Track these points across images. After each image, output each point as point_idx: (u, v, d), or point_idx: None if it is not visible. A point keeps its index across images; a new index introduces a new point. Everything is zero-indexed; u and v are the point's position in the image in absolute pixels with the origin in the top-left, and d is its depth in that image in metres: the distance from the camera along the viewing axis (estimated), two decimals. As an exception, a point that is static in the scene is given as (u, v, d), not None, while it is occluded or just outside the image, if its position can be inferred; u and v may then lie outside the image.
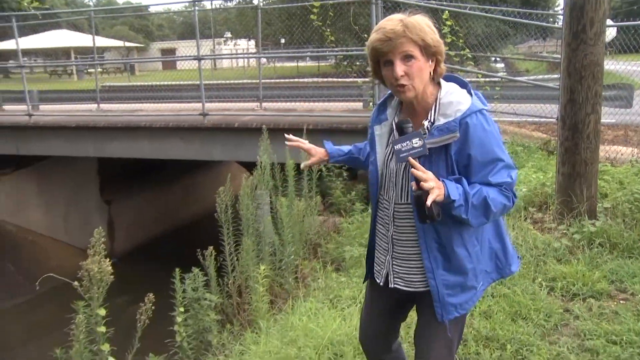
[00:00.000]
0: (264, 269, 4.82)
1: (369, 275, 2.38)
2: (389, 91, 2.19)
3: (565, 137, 4.81)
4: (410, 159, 1.93)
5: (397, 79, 1.96)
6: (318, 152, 2.62)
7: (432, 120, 2.02)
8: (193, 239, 14.38)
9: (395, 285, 2.20)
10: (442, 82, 2.09)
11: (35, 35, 30.22)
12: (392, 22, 1.98)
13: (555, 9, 28.11)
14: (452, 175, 2.00)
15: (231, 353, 4.19)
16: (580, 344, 3.21)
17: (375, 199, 2.23)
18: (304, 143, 2.59)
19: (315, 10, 8.30)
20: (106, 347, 3.94)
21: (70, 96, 13.83)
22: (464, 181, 1.96)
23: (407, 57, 1.95)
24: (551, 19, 25.11)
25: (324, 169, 7.06)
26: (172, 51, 36.56)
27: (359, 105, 10.04)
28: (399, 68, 1.95)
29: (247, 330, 4.73)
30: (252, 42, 28.74)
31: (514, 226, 4.79)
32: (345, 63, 23.57)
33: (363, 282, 2.52)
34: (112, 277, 3.92)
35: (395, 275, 2.19)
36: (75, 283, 3.93)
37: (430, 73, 2.02)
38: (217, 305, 5.00)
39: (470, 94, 2.05)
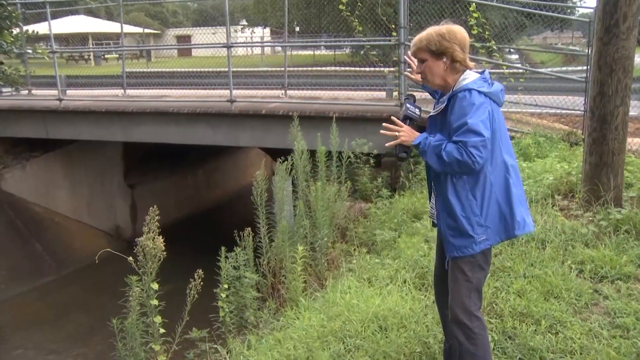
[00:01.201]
0: (302, 250, 5.06)
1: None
2: None
3: (594, 128, 4.99)
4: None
5: (419, 74, 2.85)
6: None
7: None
8: (215, 222, 14.71)
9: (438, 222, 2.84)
10: (467, 71, 2.74)
11: (53, 21, 30.41)
12: (420, 36, 2.78)
13: (574, 0, 28.01)
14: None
15: (274, 328, 4.42)
16: (611, 322, 3.43)
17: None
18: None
19: (344, 0, 8.48)
20: (158, 319, 4.20)
21: (94, 81, 14.10)
22: (437, 136, 2.66)
23: (421, 61, 2.79)
24: (569, 11, 25.06)
25: (352, 155, 7.26)
26: (187, 38, 36.71)
27: (382, 94, 10.21)
28: (418, 68, 2.85)
29: (284, 307, 4.99)
30: (267, 30, 28.86)
31: (542, 213, 4.99)
32: (362, 52, 23.75)
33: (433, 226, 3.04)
34: (164, 253, 4.10)
35: (437, 214, 2.84)
36: (130, 258, 4.14)
37: (445, 65, 2.71)
38: (254, 284, 5.23)
39: (480, 79, 2.67)
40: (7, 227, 11.40)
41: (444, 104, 2.67)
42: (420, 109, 2.83)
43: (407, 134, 2.70)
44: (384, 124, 2.76)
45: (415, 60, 2.86)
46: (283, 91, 10.57)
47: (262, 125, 9.47)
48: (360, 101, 9.47)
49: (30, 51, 9.73)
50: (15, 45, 8.35)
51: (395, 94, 8.94)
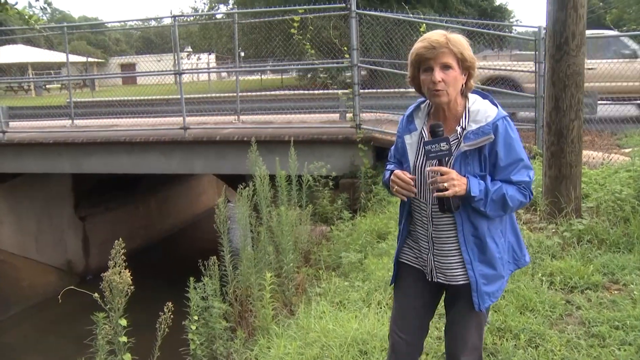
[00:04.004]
0: (270, 276, 4.97)
1: (397, 276, 2.60)
2: (415, 103, 2.50)
3: (551, 142, 5.13)
4: (437, 168, 2.26)
5: (435, 83, 2.23)
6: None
7: (463, 127, 2.30)
8: (170, 252, 14.40)
9: (437, 280, 2.42)
10: (469, 94, 2.36)
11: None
12: (437, 34, 2.29)
13: (511, 20, 29.04)
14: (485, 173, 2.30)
15: (248, 359, 4.31)
16: (586, 331, 3.49)
17: (409, 202, 2.45)
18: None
19: (295, 24, 8.52)
20: (128, 357, 4.03)
21: (38, 112, 13.64)
22: (488, 178, 2.27)
23: (446, 67, 2.24)
24: (506, 29, 25.95)
25: (310, 178, 7.23)
26: (131, 66, 36.14)
27: (335, 116, 10.25)
28: (438, 74, 2.23)
29: (255, 336, 4.88)
30: (212, 56, 28.72)
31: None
32: (309, 75, 23.87)
33: (390, 285, 2.71)
34: (132, 287, 3.94)
35: (437, 270, 2.41)
36: (96, 295, 3.96)
37: (462, 85, 2.30)
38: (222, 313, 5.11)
39: (494, 104, 2.34)
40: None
41: (486, 136, 2.24)
42: (448, 141, 2.25)
43: (459, 183, 2.22)
44: (429, 168, 2.27)
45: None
46: (236, 117, 10.50)
47: (217, 151, 9.36)
48: (314, 124, 9.48)
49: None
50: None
51: (349, 115, 8.99)
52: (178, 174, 11.42)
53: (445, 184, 2.19)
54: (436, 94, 2.26)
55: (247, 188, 5.87)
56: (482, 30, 10.07)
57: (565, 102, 4.99)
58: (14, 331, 10.56)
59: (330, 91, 10.05)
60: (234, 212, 6.13)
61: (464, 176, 2.24)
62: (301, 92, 13.98)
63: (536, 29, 7.68)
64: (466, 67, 2.28)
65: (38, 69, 33.45)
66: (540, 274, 4.24)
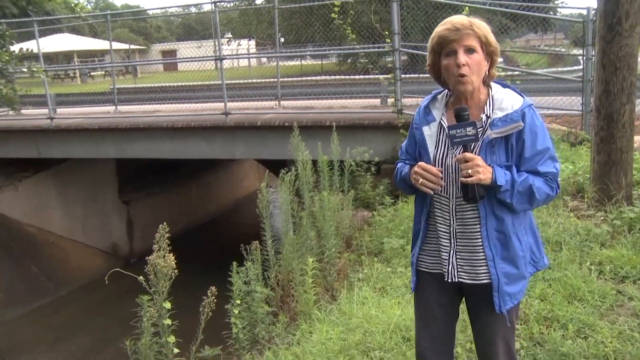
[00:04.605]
0: (312, 261, 4.97)
1: (416, 285, 2.45)
2: (431, 95, 2.39)
3: (601, 126, 4.97)
4: (465, 155, 2.13)
5: (460, 66, 2.13)
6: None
7: (488, 115, 2.21)
8: (212, 236, 14.59)
9: (459, 279, 2.28)
10: (491, 83, 2.27)
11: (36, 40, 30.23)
12: (460, 17, 2.21)
13: (556, 1, 28.27)
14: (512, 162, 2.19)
15: (290, 343, 4.33)
16: None
17: (429, 198, 2.32)
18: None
19: (336, 9, 8.45)
20: (172, 339, 4.08)
21: (84, 99, 13.95)
22: (514, 169, 2.15)
23: (470, 50, 2.14)
24: (552, 12, 25.29)
25: (353, 163, 7.20)
26: (172, 52, 36.57)
27: (376, 101, 10.18)
28: (462, 57, 2.13)
29: (297, 321, 4.90)
30: (252, 42, 28.83)
31: (554, 214, 4.94)
32: (349, 60, 23.76)
33: (411, 293, 2.56)
34: (176, 271, 3.97)
35: (459, 269, 2.28)
36: (140, 278, 4.01)
37: (485, 72, 2.21)
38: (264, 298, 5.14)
39: (518, 93, 2.25)
40: (1, 249, 11.21)
41: (515, 123, 2.14)
42: (475, 126, 2.14)
43: (485, 170, 2.11)
44: (456, 158, 2.16)
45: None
46: (276, 102, 10.51)
47: (258, 136, 9.39)
48: (355, 109, 9.42)
49: (25, 70, 9.59)
50: (10, 64, 8.21)
51: (390, 100, 8.90)
52: (219, 159, 11.51)
53: (469, 171, 2.09)
54: (461, 81, 2.15)
55: (290, 173, 5.87)
56: (527, 12, 9.82)
57: (617, 85, 4.82)
58: (64, 311, 10.87)
59: (371, 76, 9.97)
60: (275, 197, 6.16)
61: (489, 165, 2.14)
62: (342, 77, 13.92)
63: (584, 10, 7.46)
64: (490, 53, 2.19)
65: (83, 57, 34.21)
66: (588, 263, 4.12)
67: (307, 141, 7.02)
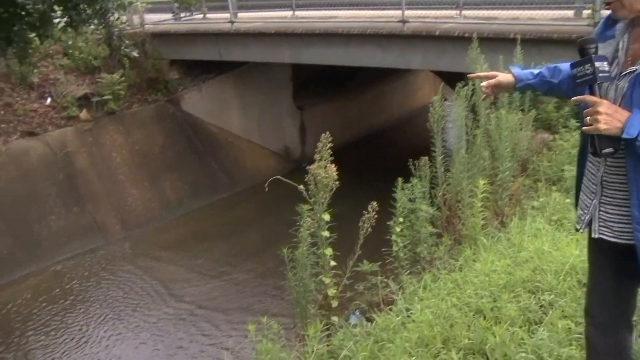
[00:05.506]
0: (484, 184, 4.64)
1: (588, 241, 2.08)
2: None
3: None
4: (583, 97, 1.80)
5: None
6: (503, 76, 2.34)
7: None
8: (382, 147, 14.54)
9: (600, 235, 1.93)
10: None
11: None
12: None
13: None
14: None
15: (451, 269, 4.12)
16: None
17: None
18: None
19: None
20: (329, 252, 4.05)
21: (263, 3, 14.17)
22: None
23: None
24: None
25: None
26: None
27: (569, 13, 9.11)
28: None
29: (461, 244, 4.67)
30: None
31: None
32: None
33: (576, 231, 2.17)
34: (337, 182, 3.85)
35: (600, 223, 1.93)
36: (301, 186, 3.93)
37: None
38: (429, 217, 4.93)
39: None
40: (187, 145, 12.11)
41: None
42: (592, 62, 1.75)
43: (609, 119, 1.70)
44: (574, 99, 1.83)
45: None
46: (457, 11, 9.81)
47: (435, 47, 8.94)
48: (544, 21, 8.52)
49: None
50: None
51: (586, 12, 7.89)
52: (394, 68, 11.21)
53: (587, 119, 1.71)
54: (609, 9, 1.82)
55: (466, 87, 5.45)
56: None
57: None
58: (238, 207, 11.62)
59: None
60: (450, 111, 5.79)
61: (629, 110, 1.70)
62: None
63: None
64: None
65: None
66: None
67: (487, 54, 6.50)
